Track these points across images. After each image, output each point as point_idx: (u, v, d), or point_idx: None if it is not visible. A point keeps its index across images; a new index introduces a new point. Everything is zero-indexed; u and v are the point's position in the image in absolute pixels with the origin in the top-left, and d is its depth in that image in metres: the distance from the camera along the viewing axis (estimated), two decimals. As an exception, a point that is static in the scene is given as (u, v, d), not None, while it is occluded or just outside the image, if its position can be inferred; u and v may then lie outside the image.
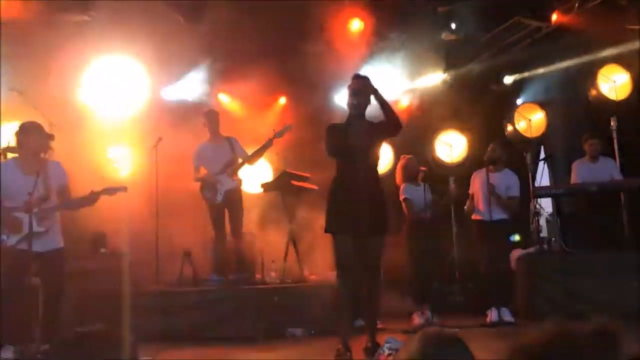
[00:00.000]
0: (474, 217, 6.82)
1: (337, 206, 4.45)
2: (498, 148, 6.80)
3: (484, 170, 6.79)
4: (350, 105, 4.57)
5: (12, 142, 6.21)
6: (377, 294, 4.63)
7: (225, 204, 6.83)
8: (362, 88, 4.60)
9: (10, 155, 6.08)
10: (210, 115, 7.10)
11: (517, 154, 8.15)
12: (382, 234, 4.55)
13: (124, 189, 5.31)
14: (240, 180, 6.96)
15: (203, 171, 6.99)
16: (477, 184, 6.82)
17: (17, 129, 5.06)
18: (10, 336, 4.81)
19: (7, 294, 4.78)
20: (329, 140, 4.57)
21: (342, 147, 4.48)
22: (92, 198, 5.06)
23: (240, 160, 6.90)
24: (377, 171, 4.75)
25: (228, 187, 6.81)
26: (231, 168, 6.84)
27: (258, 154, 6.87)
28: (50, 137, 5.04)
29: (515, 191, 6.71)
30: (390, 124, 4.64)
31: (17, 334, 4.88)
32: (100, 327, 1.57)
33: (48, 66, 7.18)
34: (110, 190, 5.21)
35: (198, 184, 7.06)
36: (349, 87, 4.70)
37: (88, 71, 7.97)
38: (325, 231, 4.61)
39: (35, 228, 4.81)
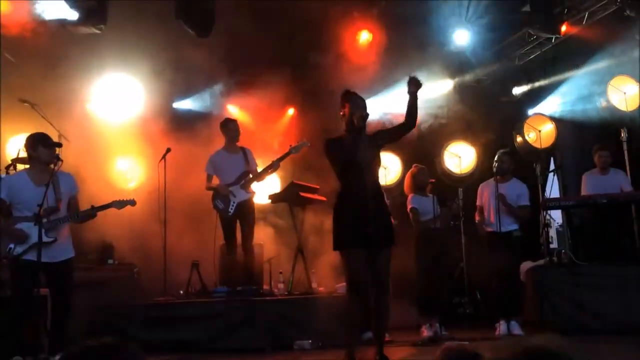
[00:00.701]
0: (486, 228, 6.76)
1: (347, 221, 4.41)
2: (506, 158, 6.74)
3: (491, 181, 6.76)
4: (358, 119, 4.47)
5: (22, 153, 6.28)
6: (387, 307, 4.58)
7: (238, 216, 6.78)
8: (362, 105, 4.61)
9: (19, 166, 6.12)
10: (228, 124, 7.02)
11: (526, 165, 8.13)
12: (391, 247, 4.51)
13: (132, 202, 5.33)
14: (253, 193, 6.93)
15: (216, 180, 6.96)
16: (486, 195, 6.77)
17: (25, 141, 5.09)
18: (18, 347, 4.82)
19: (15, 305, 4.80)
20: (339, 156, 4.51)
21: (352, 163, 4.43)
22: (92, 213, 5.09)
23: (251, 175, 6.86)
24: (379, 183, 4.77)
25: (241, 199, 6.75)
26: (245, 181, 6.81)
27: (272, 168, 6.82)
28: (58, 145, 5.07)
29: (525, 200, 6.67)
30: (411, 120, 4.66)
31: (25, 345, 4.88)
32: (108, 340, 1.55)
33: (58, 78, 7.24)
34: (119, 204, 5.23)
35: (207, 195, 7.05)
36: (352, 101, 4.61)
37: (98, 83, 8.03)
38: (335, 249, 4.53)
39: (44, 238, 4.83)
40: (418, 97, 4.66)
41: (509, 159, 6.76)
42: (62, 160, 4.89)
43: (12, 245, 4.84)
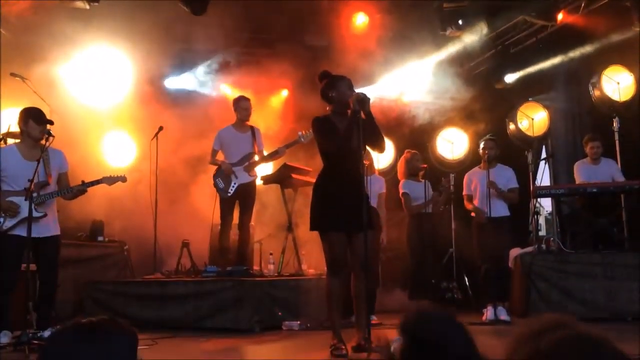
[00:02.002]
0: (473, 214, 6.80)
1: (330, 204, 4.40)
2: (492, 144, 6.78)
3: (477, 169, 6.83)
4: (355, 100, 4.36)
5: (13, 127, 6.23)
6: (366, 291, 4.57)
7: (238, 197, 6.76)
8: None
9: (10, 140, 6.08)
10: (240, 102, 6.94)
11: (518, 152, 8.15)
12: (373, 231, 4.50)
13: (123, 179, 5.33)
14: (256, 176, 6.90)
15: (220, 156, 6.92)
16: (474, 183, 6.80)
17: (18, 114, 5.06)
18: (6, 322, 4.83)
19: (4, 280, 4.80)
20: (333, 142, 4.42)
21: (344, 145, 4.38)
22: (83, 189, 5.08)
23: (257, 157, 6.85)
24: (362, 168, 4.70)
25: (243, 181, 6.73)
26: (249, 163, 6.78)
27: (278, 154, 6.81)
28: (49, 122, 5.03)
29: (514, 182, 6.76)
30: (374, 142, 4.58)
31: (13, 319, 4.89)
32: (100, 317, 1.55)
33: (49, 52, 7.17)
34: (109, 180, 5.22)
35: (200, 174, 7.05)
36: (343, 81, 4.54)
37: (89, 58, 7.95)
38: (313, 229, 4.49)
39: (34, 213, 4.82)
40: (372, 115, 4.41)
41: (494, 144, 6.81)
42: (53, 136, 4.86)
43: (1, 219, 4.83)
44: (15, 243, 4.78)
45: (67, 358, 1.42)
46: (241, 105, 6.89)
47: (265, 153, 6.97)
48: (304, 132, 6.78)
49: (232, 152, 6.81)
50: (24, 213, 4.77)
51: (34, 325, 4.66)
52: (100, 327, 1.48)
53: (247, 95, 7.09)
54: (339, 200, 4.34)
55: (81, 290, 6.47)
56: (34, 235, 4.80)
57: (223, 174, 6.75)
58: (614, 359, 1.28)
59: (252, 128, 6.91)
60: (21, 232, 4.78)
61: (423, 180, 6.76)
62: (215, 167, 6.86)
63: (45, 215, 4.95)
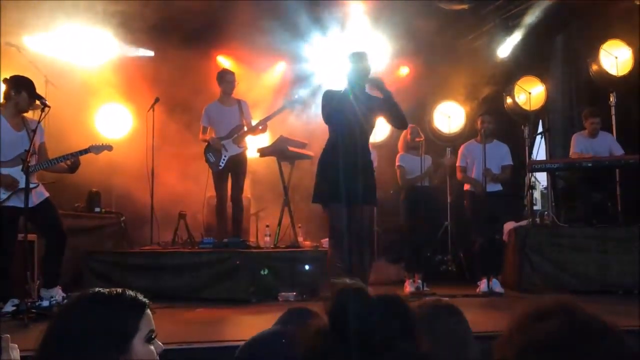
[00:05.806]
0: (467, 188, 6.83)
1: (329, 174, 4.46)
2: (491, 119, 6.78)
3: (473, 141, 6.83)
4: (352, 73, 4.48)
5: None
6: (368, 262, 4.66)
7: (229, 169, 6.79)
8: (367, 65, 4.57)
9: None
10: (224, 76, 6.93)
11: (515, 126, 8.15)
12: (373, 204, 4.58)
13: (109, 147, 5.30)
14: (246, 147, 6.91)
15: (211, 132, 6.92)
16: (470, 158, 6.81)
17: (10, 79, 4.98)
18: (10, 290, 4.87)
19: (5, 251, 4.82)
20: (327, 107, 4.54)
21: (339, 115, 4.45)
22: (75, 158, 5.06)
23: (245, 128, 6.83)
24: (368, 142, 4.79)
25: (233, 153, 6.74)
26: (238, 135, 6.77)
27: (267, 119, 6.81)
28: (41, 99, 4.95)
29: (508, 160, 6.78)
30: (396, 122, 4.75)
31: (13, 288, 4.93)
32: (115, 289, 1.60)
33: (43, 22, 7.09)
34: (96, 149, 5.19)
35: (196, 146, 7.04)
36: (353, 57, 4.65)
37: (83, 29, 7.85)
38: (315, 201, 4.63)
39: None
40: (389, 93, 4.61)
41: (493, 119, 6.80)
42: (49, 107, 4.82)
43: None
44: (9, 214, 4.79)
45: (84, 322, 1.46)
46: (226, 79, 6.87)
47: (254, 124, 6.96)
48: (288, 98, 6.84)
49: (220, 126, 6.81)
50: (20, 184, 4.77)
51: (32, 294, 4.71)
52: (116, 295, 1.54)
53: (243, 67, 7.05)
54: (339, 172, 4.40)
55: (79, 261, 6.50)
56: (30, 205, 4.81)
57: (213, 149, 6.76)
58: (617, 351, 1.09)
59: (238, 101, 6.90)
60: (15, 202, 4.80)
61: (423, 155, 6.73)
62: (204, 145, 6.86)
63: (38, 185, 4.98)
